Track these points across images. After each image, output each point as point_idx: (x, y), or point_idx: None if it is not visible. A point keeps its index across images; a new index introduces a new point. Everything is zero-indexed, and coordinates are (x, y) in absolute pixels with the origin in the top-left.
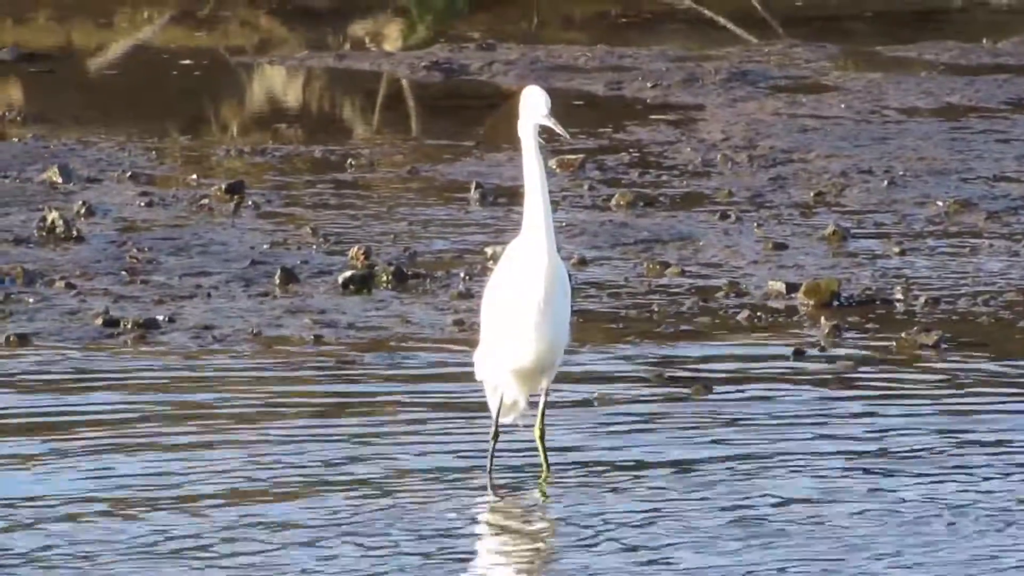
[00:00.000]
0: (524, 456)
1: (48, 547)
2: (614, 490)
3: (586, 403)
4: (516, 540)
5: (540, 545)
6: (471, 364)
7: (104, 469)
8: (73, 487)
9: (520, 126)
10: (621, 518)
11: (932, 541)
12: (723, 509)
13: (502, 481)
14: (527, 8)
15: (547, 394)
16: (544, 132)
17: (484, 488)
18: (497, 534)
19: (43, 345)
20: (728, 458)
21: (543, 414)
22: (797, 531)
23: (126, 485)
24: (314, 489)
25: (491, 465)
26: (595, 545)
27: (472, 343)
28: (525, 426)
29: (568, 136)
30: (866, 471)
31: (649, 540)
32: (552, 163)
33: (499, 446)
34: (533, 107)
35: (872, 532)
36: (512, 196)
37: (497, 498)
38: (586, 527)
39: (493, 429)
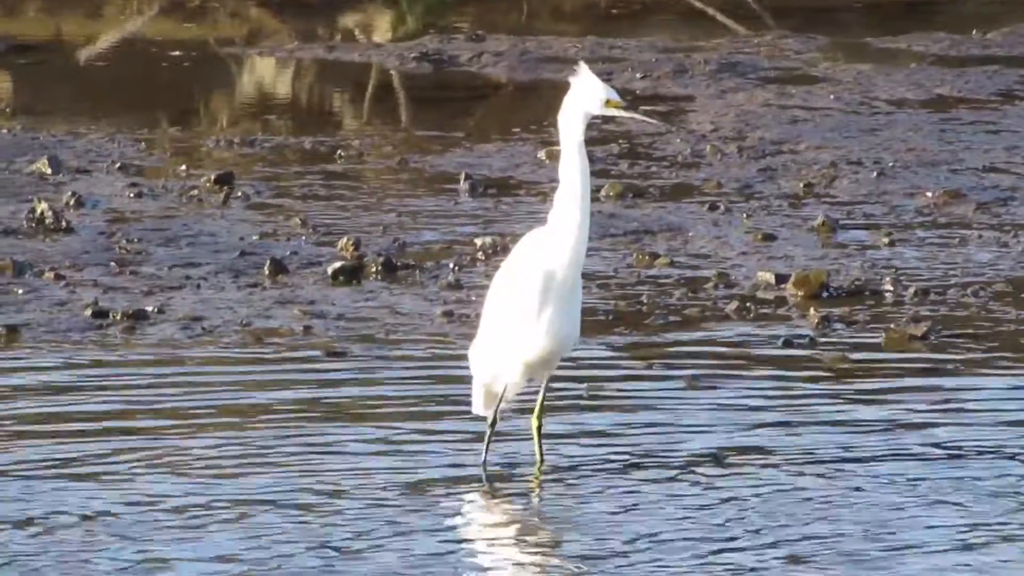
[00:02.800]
0: (517, 444)
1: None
2: (606, 481)
3: (576, 394)
4: (512, 532)
5: (535, 537)
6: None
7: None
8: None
9: (564, 115)
10: (613, 509)
11: (924, 541)
12: (714, 502)
13: (494, 470)
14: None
15: (547, 386)
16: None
17: (479, 479)
18: (493, 526)
19: (32, 336)
20: (720, 449)
21: (542, 405)
22: (789, 522)
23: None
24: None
25: (486, 455)
26: (587, 536)
27: (462, 335)
28: (512, 414)
29: (658, 123)
30: (858, 460)
31: (642, 529)
32: (541, 154)
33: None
34: (586, 95)
35: (871, 519)
36: (501, 187)
37: (491, 488)
38: (580, 517)
39: (492, 417)
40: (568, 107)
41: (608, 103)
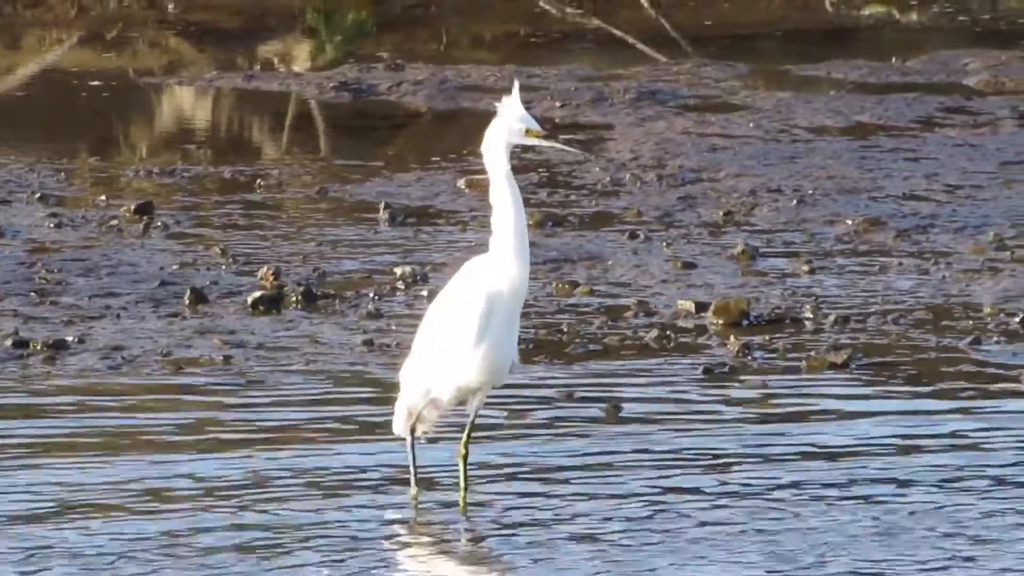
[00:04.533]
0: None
1: None
2: (527, 514)
3: (496, 424)
4: (443, 547)
5: (469, 548)
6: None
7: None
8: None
9: (487, 145)
10: (539, 523)
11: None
12: (636, 527)
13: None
14: (436, 28)
15: (476, 415)
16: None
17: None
18: (425, 541)
19: None
20: (639, 475)
21: (469, 435)
22: (717, 546)
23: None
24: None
25: (415, 469)
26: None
27: (383, 364)
28: (428, 441)
29: (577, 152)
30: (777, 487)
31: (564, 562)
32: (461, 183)
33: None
34: (507, 123)
35: (794, 549)
36: (421, 216)
37: (419, 504)
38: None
39: (410, 438)
40: (491, 137)
41: (528, 132)
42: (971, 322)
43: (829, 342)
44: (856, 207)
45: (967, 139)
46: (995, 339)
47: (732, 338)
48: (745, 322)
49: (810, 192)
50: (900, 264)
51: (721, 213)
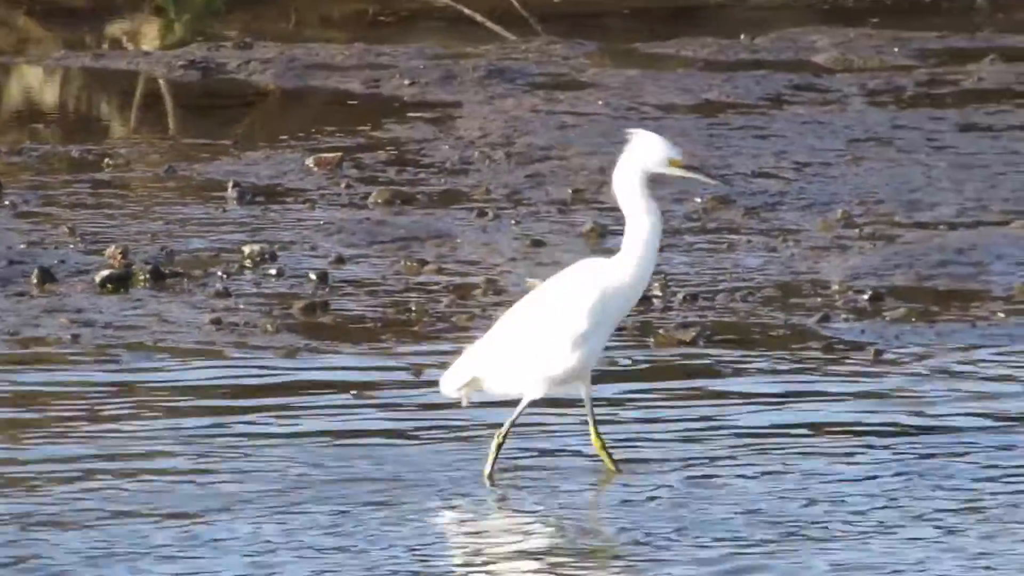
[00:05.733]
0: None
1: None
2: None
3: (344, 402)
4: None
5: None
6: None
7: None
8: None
9: (620, 177)
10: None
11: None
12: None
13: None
14: (285, 7)
15: (591, 402)
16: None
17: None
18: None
19: None
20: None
21: (596, 422)
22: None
23: None
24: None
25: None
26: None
27: (230, 343)
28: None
29: (722, 184)
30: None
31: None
32: (309, 161)
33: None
34: (648, 155)
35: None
36: (269, 195)
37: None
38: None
39: (506, 430)
40: (624, 169)
41: (671, 162)
42: (820, 299)
43: (677, 320)
44: (705, 185)
45: (816, 116)
46: (843, 316)
47: None
48: None
49: None
50: (749, 241)
51: (570, 191)
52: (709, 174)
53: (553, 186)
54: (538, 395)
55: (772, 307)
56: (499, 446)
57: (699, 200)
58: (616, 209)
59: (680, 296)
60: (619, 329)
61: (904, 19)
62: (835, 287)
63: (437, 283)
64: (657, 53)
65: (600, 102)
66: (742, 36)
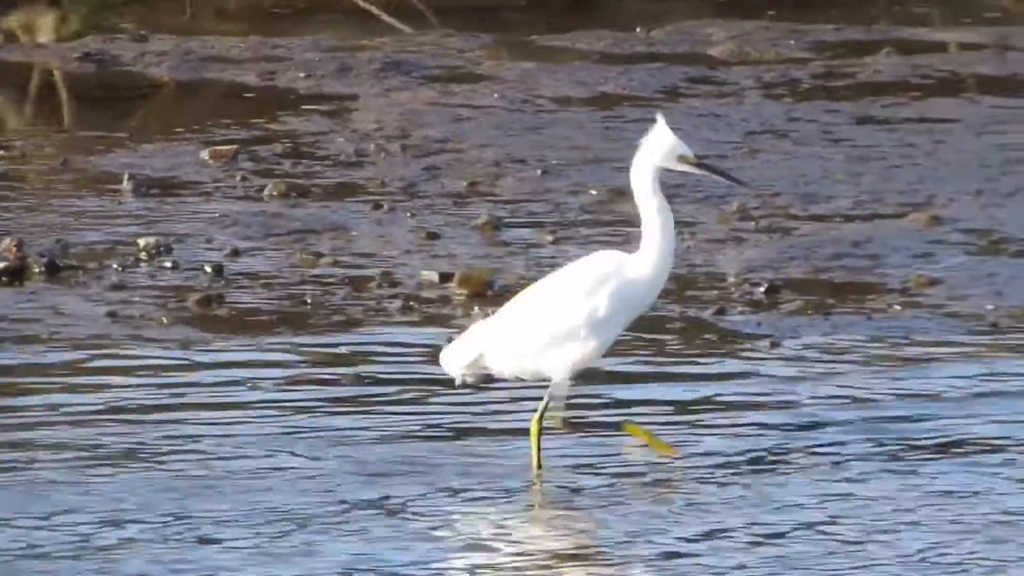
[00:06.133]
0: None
1: None
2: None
3: (235, 402)
4: None
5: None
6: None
7: None
8: None
9: (636, 172)
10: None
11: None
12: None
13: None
14: (181, 0)
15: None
16: None
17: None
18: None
19: None
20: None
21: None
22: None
23: None
24: None
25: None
26: None
27: (126, 335)
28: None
29: (741, 183)
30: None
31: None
32: (204, 154)
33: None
34: (660, 150)
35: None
36: (164, 187)
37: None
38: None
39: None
40: (640, 164)
41: (681, 158)
42: (716, 292)
43: None
44: (600, 177)
45: (712, 109)
46: (739, 309)
47: (476, 308)
48: (489, 292)
49: (554, 162)
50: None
51: (465, 183)
52: (723, 173)
53: (448, 178)
54: (561, 379)
55: (668, 300)
56: (538, 436)
57: (595, 192)
58: (510, 201)
59: None
60: None
61: (800, 11)
62: (731, 280)
63: (332, 276)
64: (553, 46)
65: (496, 95)
66: (638, 29)
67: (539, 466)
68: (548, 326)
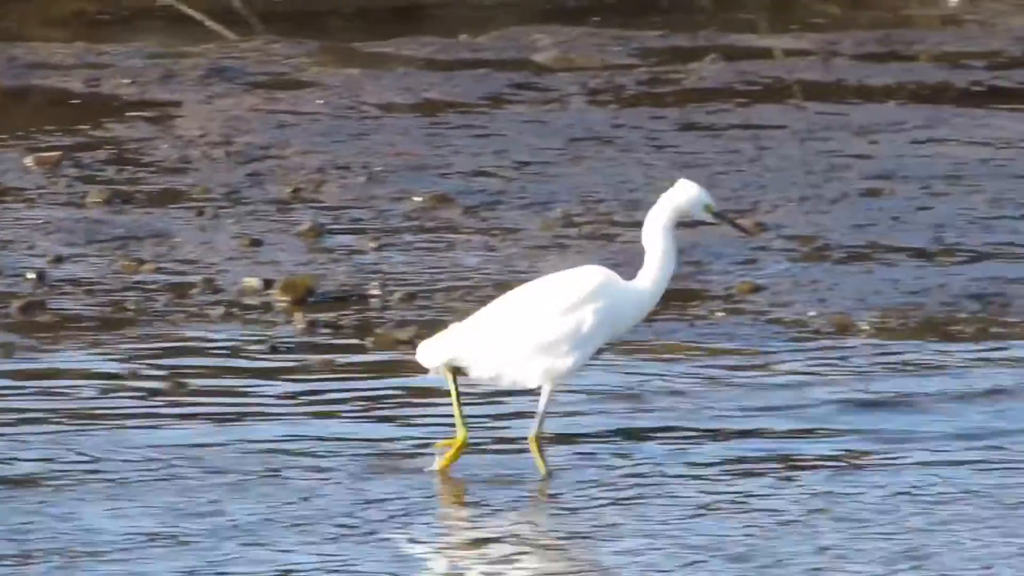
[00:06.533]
0: None
1: None
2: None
3: (54, 412)
4: None
5: None
6: None
7: None
8: None
9: (653, 219)
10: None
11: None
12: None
13: None
14: (5, 6)
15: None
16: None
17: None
18: None
19: None
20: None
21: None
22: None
23: None
24: None
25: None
26: None
27: None
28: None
29: (747, 233)
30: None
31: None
32: (28, 160)
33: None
34: (686, 202)
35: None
36: None
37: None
38: None
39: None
40: (658, 214)
41: (707, 208)
42: None
43: (396, 319)
44: (424, 184)
45: (536, 116)
46: None
47: (298, 315)
48: (311, 299)
49: (378, 169)
50: (468, 240)
51: (289, 190)
52: (735, 223)
53: (272, 185)
54: (547, 390)
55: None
56: (538, 441)
57: (418, 199)
58: (334, 208)
59: (398, 295)
60: (337, 327)
61: (626, 18)
62: None
63: (155, 282)
64: (378, 52)
65: (320, 101)
66: (462, 35)
67: (548, 474)
68: (531, 336)
